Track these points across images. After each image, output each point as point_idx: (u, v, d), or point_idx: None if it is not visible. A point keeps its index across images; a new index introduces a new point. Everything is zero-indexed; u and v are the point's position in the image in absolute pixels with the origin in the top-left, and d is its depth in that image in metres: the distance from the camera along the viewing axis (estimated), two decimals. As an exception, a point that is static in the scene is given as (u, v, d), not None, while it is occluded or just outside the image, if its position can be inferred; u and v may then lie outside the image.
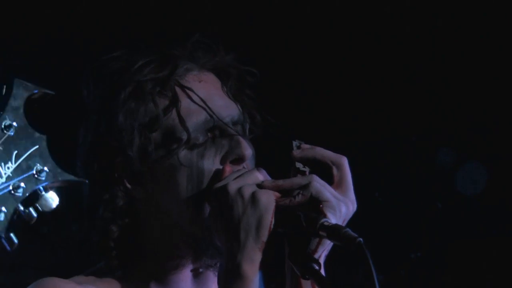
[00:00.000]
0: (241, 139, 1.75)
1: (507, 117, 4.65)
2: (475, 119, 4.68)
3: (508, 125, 4.65)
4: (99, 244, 1.75)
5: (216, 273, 1.80)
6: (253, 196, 1.61)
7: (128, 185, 1.73)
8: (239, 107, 1.82)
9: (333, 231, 1.56)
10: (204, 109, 1.74)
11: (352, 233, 1.53)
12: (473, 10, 4.36)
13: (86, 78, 1.80)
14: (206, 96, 1.76)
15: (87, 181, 1.37)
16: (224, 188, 1.64)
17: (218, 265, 1.78)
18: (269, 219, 1.60)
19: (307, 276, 1.60)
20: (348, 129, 4.66)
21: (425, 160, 4.73)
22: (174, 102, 1.74)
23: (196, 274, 1.80)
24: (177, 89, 1.75)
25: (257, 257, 1.61)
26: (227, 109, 1.78)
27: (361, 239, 1.51)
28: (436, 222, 4.82)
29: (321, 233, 1.57)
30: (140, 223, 1.77)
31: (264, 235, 1.60)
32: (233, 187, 1.63)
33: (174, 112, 1.73)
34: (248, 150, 1.75)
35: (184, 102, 1.74)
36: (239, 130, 1.79)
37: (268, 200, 1.61)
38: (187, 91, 1.75)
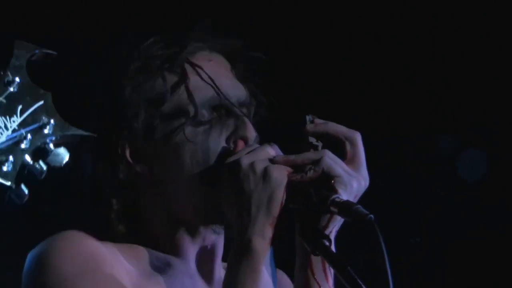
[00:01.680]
0: (246, 120, 1.76)
1: (508, 103, 4.65)
2: (476, 106, 4.68)
3: (509, 112, 4.65)
4: (103, 215, 1.79)
5: (219, 244, 1.81)
6: (265, 171, 1.61)
7: (130, 160, 1.75)
8: (247, 90, 1.83)
9: (344, 207, 1.56)
10: (212, 86, 1.76)
11: (363, 210, 1.52)
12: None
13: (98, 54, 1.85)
14: (215, 75, 1.77)
15: (95, 135, 1.39)
16: (237, 162, 1.64)
17: (222, 234, 1.79)
18: (281, 195, 1.61)
19: (317, 252, 1.59)
20: (348, 115, 4.64)
21: (426, 146, 4.76)
22: (183, 78, 1.75)
23: (205, 247, 1.81)
24: (186, 66, 1.77)
25: (268, 232, 1.61)
26: (234, 89, 1.79)
27: (372, 215, 1.50)
28: (436, 208, 4.82)
29: (332, 209, 1.57)
30: (141, 198, 1.78)
31: (276, 210, 1.60)
32: (245, 162, 1.63)
33: (182, 88, 1.75)
34: (252, 133, 1.75)
35: (193, 78, 1.76)
36: (245, 112, 1.80)
37: (280, 175, 1.61)
38: (196, 68, 1.77)
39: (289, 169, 1.64)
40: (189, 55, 1.79)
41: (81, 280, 1.59)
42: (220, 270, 1.84)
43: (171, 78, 1.76)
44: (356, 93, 4.61)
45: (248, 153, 1.66)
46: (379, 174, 4.73)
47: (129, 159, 1.75)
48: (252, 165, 1.62)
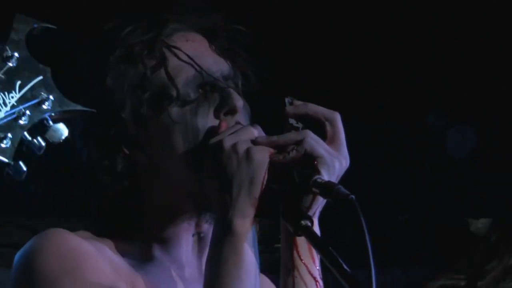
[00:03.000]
0: (231, 90, 1.74)
1: (497, 80, 4.67)
2: (465, 82, 4.70)
3: (498, 88, 4.67)
4: (99, 208, 1.79)
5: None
6: (248, 152, 1.61)
7: (126, 150, 1.75)
8: (229, 64, 1.82)
9: (326, 188, 1.56)
10: (192, 65, 1.75)
11: (345, 190, 1.53)
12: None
13: (81, 47, 1.84)
14: (194, 53, 1.76)
15: (95, 111, 1.38)
16: (219, 143, 1.64)
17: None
18: (262, 176, 1.61)
19: (299, 233, 1.59)
20: (337, 93, 4.57)
21: (414, 123, 4.77)
22: (162, 61, 1.74)
23: (198, 236, 1.81)
24: (165, 50, 1.76)
25: (249, 212, 1.62)
26: (216, 64, 1.78)
27: (353, 196, 1.51)
28: (424, 185, 4.84)
29: (314, 189, 1.58)
30: (140, 187, 1.78)
31: (257, 191, 1.60)
32: (228, 143, 1.63)
33: (162, 71, 1.74)
34: (239, 101, 1.74)
35: (172, 60, 1.75)
36: (231, 84, 1.78)
37: (262, 156, 1.61)
38: (174, 50, 1.76)
39: (272, 150, 1.64)
40: (167, 38, 1.78)
41: (61, 280, 1.61)
42: None
43: (151, 63, 1.75)
44: (344, 72, 4.61)
45: (230, 134, 1.66)
46: (368, 151, 4.80)
47: (125, 150, 1.75)
48: (234, 146, 1.63)
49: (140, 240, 1.79)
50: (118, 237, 1.78)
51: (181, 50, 1.76)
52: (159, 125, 1.73)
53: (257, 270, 1.66)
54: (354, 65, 4.63)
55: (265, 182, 1.61)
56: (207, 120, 1.73)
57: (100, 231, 1.79)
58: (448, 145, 4.80)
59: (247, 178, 1.61)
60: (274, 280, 1.87)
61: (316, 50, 4.59)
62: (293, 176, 1.63)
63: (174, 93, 1.72)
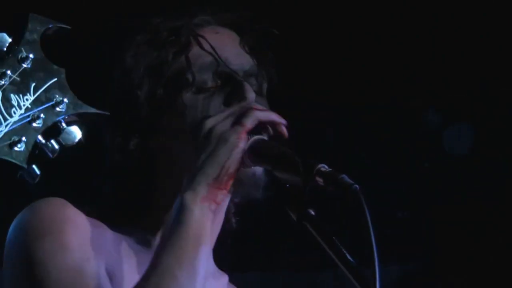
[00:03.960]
0: (245, 83, 1.73)
1: (495, 78, 4.67)
2: (463, 80, 4.69)
3: (496, 86, 4.67)
4: (111, 189, 1.78)
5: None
6: (221, 135, 1.61)
7: (139, 135, 1.74)
8: (255, 61, 1.80)
9: (330, 177, 1.54)
10: (212, 54, 1.74)
11: (348, 180, 1.51)
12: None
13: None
14: (218, 44, 1.75)
15: (108, 113, 1.36)
16: (202, 125, 1.65)
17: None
18: (228, 158, 1.60)
19: (303, 222, 1.59)
20: (338, 91, 4.68)
21: (412, 120, 4.79)
22: (185, 47, 1.74)
23: None
24: (191, 38, 1.75)
25: (202, 190, 1.60)
26: (238, 58, 1.77)
27: (357, 186, 1.49)
28: (423, 182, 4.86)
29: (317, 179, 1.56)
30: (153, 173, 1.77)
31: (215, 171, 1.60)
32: (207, 125, 1.63)
33: (183, 56, 1.73)
34: (251, 94, 1.71)
35: (195, 48, 1.74)
36: (251, 81, 1.77)
37: (234, 140, 1.60)
38: (200, 38, 1.75)
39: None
40: (196, 27, 1.78)
41: (42, 238, 1.60)
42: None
43: (175, 49, 1.75)
44: (344, 70, 4.59)
45: (215, 117, 1.66)
46: (366, 149, 4.80)
47: (137, 130, 1.74)
48: (212, 128, 1.62)
49: (146, 227, 1.77)
50: (124, 222, 1.77)
51: (205, 39, 1.75)
52: (173, 109, 1.73)
53: (203, 246, 1.62)
54: (354, 63, 4.64)
55: (236, 166, 1.60)
56: (218, 109, 1.71)
57: (107, 214, 1.78)
58: (445, 143, 4.84)
59: (211, 159, 1.60)
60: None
61: (316, 48, 4.60)
62: (297, 166, 1.60)
63: (190, 78, 1.71)
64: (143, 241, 1.76)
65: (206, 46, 1.74)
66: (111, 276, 1.68)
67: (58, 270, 1.59)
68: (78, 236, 1.63)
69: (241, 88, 1.72)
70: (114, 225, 1.75)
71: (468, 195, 4.83)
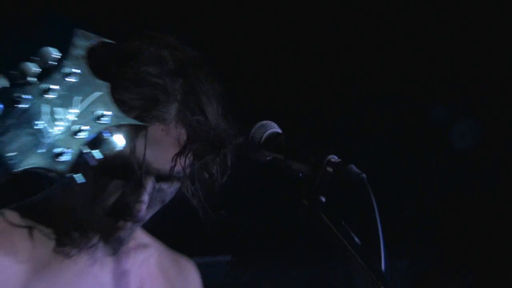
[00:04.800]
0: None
1: (501, 74, 4.76)
2: (469, 76, 4.75)
3: (502, 83, 4.74)
4: None
5: None
6: None
7: None
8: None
9: (339, 167, 1.69)
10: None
11: (356, 169, 1.66)
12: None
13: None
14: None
15: (148, 125, 1.42)
16: None
17: None
18: None
19: (315, 209, 1.70)
20: (344, 87, 4.75)
21: (420, 116, 4.85)
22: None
23: None
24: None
25: None
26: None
27: (364, 174, 1.63)
28: (431, 179, 4.87)
29: (328, 168, 1.70)
30: None
31: None
32: None
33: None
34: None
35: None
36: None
37: None
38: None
39: None
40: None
41: None
42: None
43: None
44: (350, 66, 4.68)
45: None
46: (373, 144, 4.82)
47: None
48: None
49: None
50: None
51: None
52: None
53: None
54: (359, 60, 4.70)
55: None
56: None
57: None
58: (452, 139, 4.88)
59: None
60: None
61: (321, 44, 4.66)
62: (309, 156, 1.74)
63: None
64: None
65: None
66: None
67: None
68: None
69: None
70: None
71: (475, 191, 4.87)
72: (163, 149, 1.74)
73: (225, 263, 4.71)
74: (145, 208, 1.77)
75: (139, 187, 1.75)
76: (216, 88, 1.84)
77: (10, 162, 1.23)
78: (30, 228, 1.86)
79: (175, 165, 1.74)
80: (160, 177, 1.77)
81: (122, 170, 1.72)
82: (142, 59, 1.75)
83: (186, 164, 1.77)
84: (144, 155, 1.71)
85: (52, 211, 1.88)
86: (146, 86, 1.72)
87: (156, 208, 1.86)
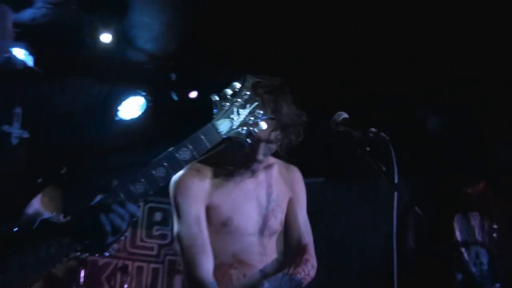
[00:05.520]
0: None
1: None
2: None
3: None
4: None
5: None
6: None
7: None
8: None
9: (375, 134, 3.32)
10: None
11: (384, 135, 3.27)
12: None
13: None
14: None
15: (275, 118, 3.18)
16: None
17: None
18: None
19: (364, 152, 3.31)
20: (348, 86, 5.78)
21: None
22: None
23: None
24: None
25: None
26: None
27: (388, 138, 3.25)
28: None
29: (370, 134, 3.30)
30: None
31: None
32: None
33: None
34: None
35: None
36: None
37: None
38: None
39: None
40: None
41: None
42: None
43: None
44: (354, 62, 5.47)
45: None
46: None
47: None
48: None
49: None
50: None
51: None
52: None
53: None
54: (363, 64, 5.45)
55: None
56: None
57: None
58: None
59: None
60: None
61: (325, 40, 5.47)
62: (361, 129, 3.40)
63: None
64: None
65: None
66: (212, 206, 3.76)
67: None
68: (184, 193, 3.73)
69: None
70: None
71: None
72: (268, 129, 3.51)
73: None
74: (262, 157, 3.58)
75: (256, 147, 3.54)
76: (290, 97, 3.60)
77: (222, 131, 2.87)
78: (212, 167, 3.72)
79: (273, 135, 3.53)
80: (267, 142, 3.55)
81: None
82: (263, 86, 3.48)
83: (278, 135, 3.52)
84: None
85: (224, 158, 3.73)
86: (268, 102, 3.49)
87: (268, 155, 3.64)
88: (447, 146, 5.78)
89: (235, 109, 2.86)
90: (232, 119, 2.85)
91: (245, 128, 2.87)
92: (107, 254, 3.22)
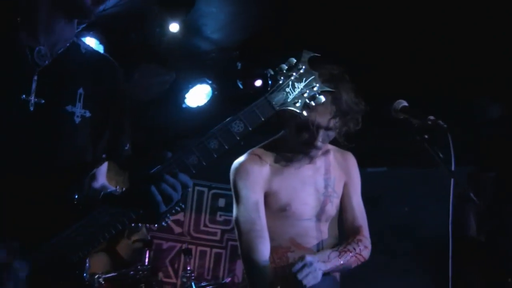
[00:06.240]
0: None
1: None
2: None
3: None
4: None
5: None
6: None
7: None
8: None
9: (434, 121, 3.40)
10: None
11: (442, 122, 3.35)
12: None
13: None
14: None
15: (332, 89, 3.26)
16: None
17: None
18: None
19: (423, 140, 3.41)
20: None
21: None
22: None
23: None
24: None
25: None
26: None
27: (446, 125, 3.32)
28: None
29: (428, 122, 3.39)
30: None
31: None
32: None
33: None
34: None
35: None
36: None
37: None
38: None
39: None
40: None
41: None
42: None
43: None
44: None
45: None
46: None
47: None
48: None
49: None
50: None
51: None
52: None
53: None
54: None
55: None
56: None
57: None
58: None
59: None
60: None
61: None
62: (420, 116, 3.47)
63: None
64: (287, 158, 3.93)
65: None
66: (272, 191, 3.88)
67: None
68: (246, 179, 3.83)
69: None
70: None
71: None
72: (327, 116, 3.62)
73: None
74: (320, 144, 3.66)
75: (316, 134, 3.65)
76: (350, 86, 3.72)
77: (276, 104, 2.97)
78: (272, 153, 3.82)
79: (332, 123, 3.65)
80: (326, 129, 3.62)
81: (307, 126, 3.58)
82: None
83: (337, 123, 3.62)
84: (315, 119, 3.67)
85: (284, 144, 3.85)
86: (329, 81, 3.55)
87: (327, 142, 3.74)
88: (506, 135, 5.76)
89: (290, 83, 2.92)
90: (287, 92, 2.90)
91: (300, 100, 2.92)
92: (164, 223, 3.37)
